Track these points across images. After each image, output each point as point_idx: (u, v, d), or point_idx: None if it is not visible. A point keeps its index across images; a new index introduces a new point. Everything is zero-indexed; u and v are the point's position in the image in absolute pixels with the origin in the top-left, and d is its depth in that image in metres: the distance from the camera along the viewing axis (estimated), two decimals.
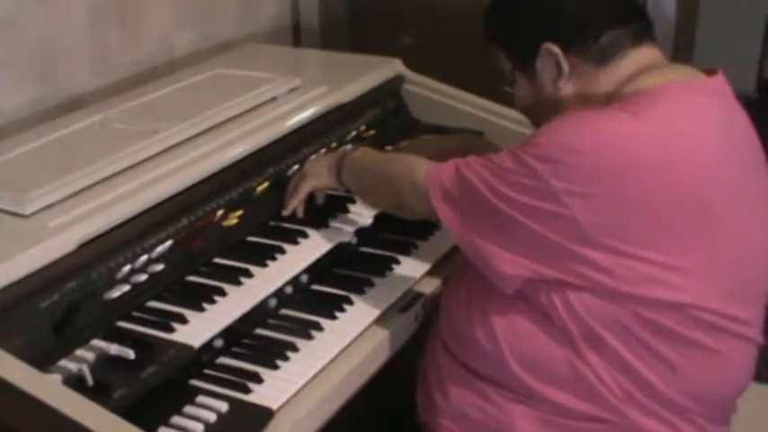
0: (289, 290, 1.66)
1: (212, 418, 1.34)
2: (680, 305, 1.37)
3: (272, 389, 1.43)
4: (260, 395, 1.41)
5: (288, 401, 1.42)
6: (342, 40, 2.79)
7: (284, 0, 2.74)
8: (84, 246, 1.47)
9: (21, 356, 1.29)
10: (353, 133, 2.06)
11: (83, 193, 1.57)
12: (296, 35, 2.80)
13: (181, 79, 2.08)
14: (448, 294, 1.63)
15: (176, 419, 1.34)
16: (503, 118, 2.15)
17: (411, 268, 1.77)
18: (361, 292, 1.68)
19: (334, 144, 2.00)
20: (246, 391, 1.42)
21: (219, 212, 1.72)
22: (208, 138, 1.78)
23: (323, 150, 1.96)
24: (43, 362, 1.34)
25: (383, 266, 1.76)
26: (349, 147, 1.97)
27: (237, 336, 1.55)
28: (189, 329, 1.47)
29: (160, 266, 1.58)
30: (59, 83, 2.08)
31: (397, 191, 1.61)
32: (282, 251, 1.69)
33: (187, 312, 1.50)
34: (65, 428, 1.21)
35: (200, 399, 1.39)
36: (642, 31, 1.48)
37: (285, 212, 1.79)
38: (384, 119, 2.17)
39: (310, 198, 1.81)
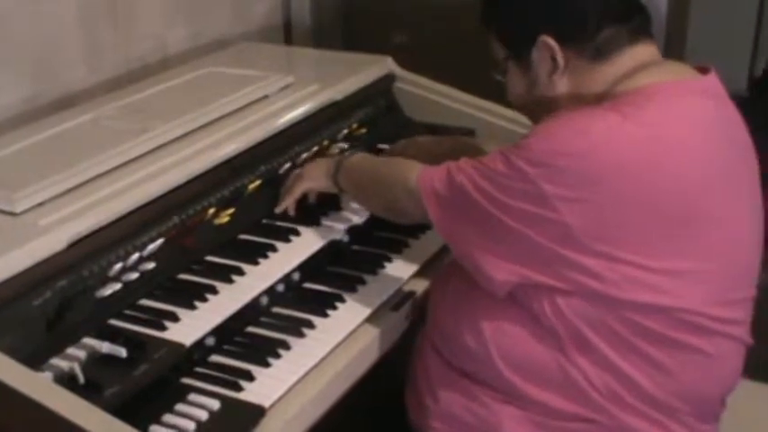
0: (281, 288, 1.66)
1: (204, 416, 1.34)
2: (668, 309, 1.37)
3: (263, 387, 1.43)
4: (252, 393, 1.41)
5: (280, 399, 1.42)
6: (334, 39, 2.79)
7: None
8: (75, 244, 1.47)
9: (12, 355, 1.29)
10: (345, 131, 2.06)
11: (74, 191, 1.57)
12: (288, 33, 2.80)
13: (173, 77, 2.08)
14: (435, 294, 1.63)
15: (168, 417, 1.34)
16: (495, 116, 2.15)
17: (403, 266, 1.77)
18: (353, 290, 1.68)
19: (326, 142, 2.00)
20: (238, 389, 1.42)
21: (211, 210, 1.72)
22: (200, 136, 1.78)
23: (315, 148, 1.96)
24: (34, 360, 1.34)
25: (375, 264, 1.75)
26: (345, 149, 1.97)
27: (229, 334, 1.55)
28: (181, 327, 1.47)
29: (152, 264, 1.57)
30: (52, 81, 2.08)
31: (393, 195, 1.61)
32: (274, 249, 1.69)
33: (179, 310, 1.50)
34: (56, 427, 1.21)
35: (192, 397, 1.38)
36: (640, 27, 1.46)
37: (278, 210, 1.79)
38: (376, 117, 2.17)
39: (302, 197, 1.81)
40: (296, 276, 1.70)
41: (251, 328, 1.59)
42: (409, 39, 2.67)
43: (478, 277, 1.45)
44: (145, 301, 1.54)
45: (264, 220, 1.80)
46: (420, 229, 1.85)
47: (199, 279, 1.60)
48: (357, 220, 1.81)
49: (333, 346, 1.54)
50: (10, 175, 1.61)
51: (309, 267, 1.72)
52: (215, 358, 1.51)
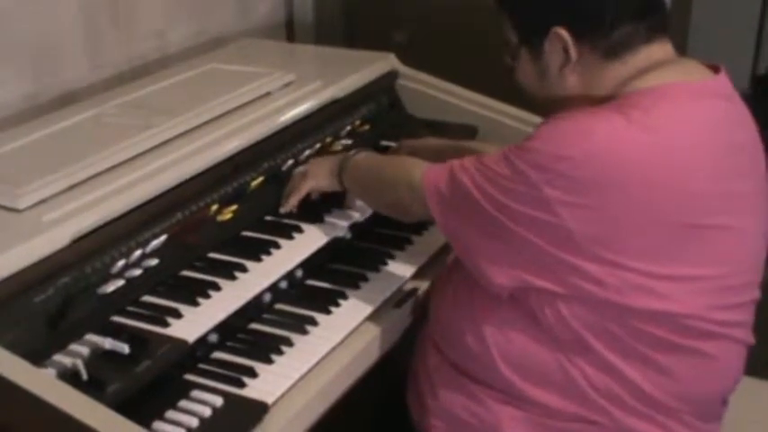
0: (283, 284, 1.66)
1: (207, 412, 1.34)
2: (670, 314, 1.36)
3: (266, 383, 1.43)
4: (255, 389, 1.41)
5: (283, 396, 1.42)
6: (336, 36, 2.79)
7: None
8: (78, 240, 1.47)
9: (15, 351, 1.29)
10: (348, 128, 2.06)
11: (77, 187, 1.57)
12: (290, 30, 2.80)
13: (175, 74, 2.08)
14: (437, 293, 1.63)
15: (171, 414, 1.34)
16: (498, 113, 2.15)
17: (405, 263, 1.77)
18: (355, 286, 1.68)
19: (328, 139, 2.00)
20: (241, 385, 1.42)
21: (214, 207, 1.72)
22: (202, 132, 1.78)
23: (318, 145, 1.96)
24: (37, 356, 1.34)
25: (378, 261, 1.76)
26: (348, 146, 1.97)
27: (232, 330, 1.55)
28: (183, 324, 1.47)
29: (154, 261, 1.57)
30: (53, 78, 2.08)
31: (397, 194, 1.60)
32: (277, 246, 1.69)
33: (182, 307, 1.50)
34: (59, 423, 1.21)
35: (195, 393, 1.38)
36: (656, 25, 1.42)
37: (283, 210, 1.79)
38: (378, 114, 2.17)
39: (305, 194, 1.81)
40: (299, 273, 1.70)
41: (254, 325, 1.59)
42: (411, 36, 2.66)
43: (479, 278, 1.44)
44: (148, 298, 1.54)
45: (267, 217, 1.80)
46: (423, 226, 1.85)
47: (202, 276, 1.60)
48: (360, 217, 1.81)
49: (336, 343, 1.54)
50: (13, 172, 1.61)
51: (312, 264, 1.72)
52: (218, 355, 1.51)
